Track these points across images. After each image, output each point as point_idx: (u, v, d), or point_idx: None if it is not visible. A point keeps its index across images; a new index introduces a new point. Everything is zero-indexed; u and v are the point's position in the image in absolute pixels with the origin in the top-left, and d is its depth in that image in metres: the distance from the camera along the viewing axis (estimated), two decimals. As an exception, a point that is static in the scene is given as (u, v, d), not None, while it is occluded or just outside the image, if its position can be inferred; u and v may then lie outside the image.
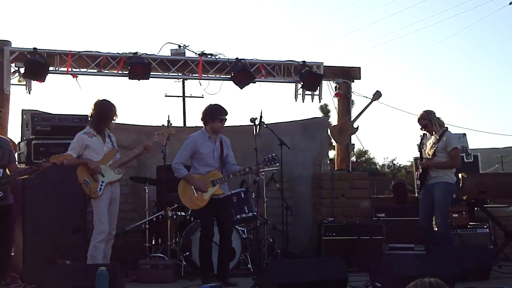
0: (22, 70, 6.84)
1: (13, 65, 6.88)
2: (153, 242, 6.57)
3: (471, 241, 6.93)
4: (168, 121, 5.84)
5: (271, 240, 6.87)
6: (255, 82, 7.70)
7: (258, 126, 6.16)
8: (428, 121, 6.29)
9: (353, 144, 8.37)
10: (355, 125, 7.99)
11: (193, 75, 7.64)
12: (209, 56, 7.55)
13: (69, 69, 7.05)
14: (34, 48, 6.86)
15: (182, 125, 20.20)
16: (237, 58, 7.51)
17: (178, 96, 25.46)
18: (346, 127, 8.04)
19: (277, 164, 5.87)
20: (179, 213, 6.53)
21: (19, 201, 5.67)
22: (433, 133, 6.29)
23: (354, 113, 8.21)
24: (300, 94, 7.98)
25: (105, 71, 7.28)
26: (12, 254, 5.71)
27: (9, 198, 5.37)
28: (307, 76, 7.70)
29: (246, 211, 6.46)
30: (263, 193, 6.85)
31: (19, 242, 5.77)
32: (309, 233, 7.74)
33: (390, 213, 7.21)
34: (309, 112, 26.90)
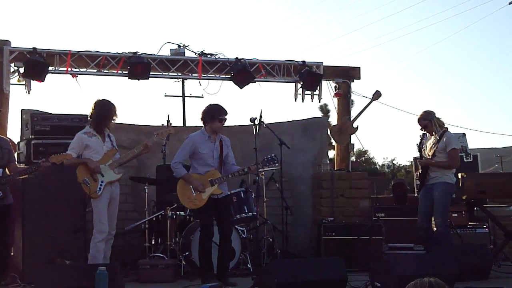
0: (21, 69, 6.84)
1: (12, 64, 6.87)
2: (153, 242, 6.57)
3: (470, 241, 6.94)
4: (168, 121, 5.82)
5: (270, 240, 6.87)
6: (254, 82, 7.70)
7: (257, 126, 6.16)
8: (428, 121, 6.29)
9: (353, 144, 8.38)
10: (354, 125, 7.99)
11: (193, 75, 7.64)
12: (208, 56, 7.54)
13: (69, 69, 7.05)
14: (33, 47, 6.85)
15: (182, 125, 20.19)
16: (236, 58, 7.51)
17: (177, 96, 25.43)
18: (346, 127, 8.04)
19: (277, 164, 5.86)
20: (178, 213, 6.53)
21: (18, 201, 5.67)
22: (433, 133, 6.30)
23: (353, 113, 8.22)
24: (299, 94, 7.98)
25: (105, 71, 7.27)
26: (12, 254, 5.72)
27: (9, 198, 5.38)
28: (307, 76, 7.70)
29: (246, 211, 6.46)
30: (262, 193, 6.85)
31: (19, 242, 5.77)
32: (309, 233, 7.74)
33: (390, 213, 7.22)
34: (309, 112, 26.92)
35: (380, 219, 7.00)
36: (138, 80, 7.25)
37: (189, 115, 25.38)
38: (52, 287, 4.61)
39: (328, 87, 8.17)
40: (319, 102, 8.22)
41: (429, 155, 6.27)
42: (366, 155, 37.57)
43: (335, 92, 8.18)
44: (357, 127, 8.00)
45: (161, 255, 6.30)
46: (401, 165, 41.77)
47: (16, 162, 5.87)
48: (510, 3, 18.75)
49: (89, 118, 5.61)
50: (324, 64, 7.97)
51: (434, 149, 6.21)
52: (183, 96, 25.25)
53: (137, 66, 7.11)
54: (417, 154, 6.62)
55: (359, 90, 8.31)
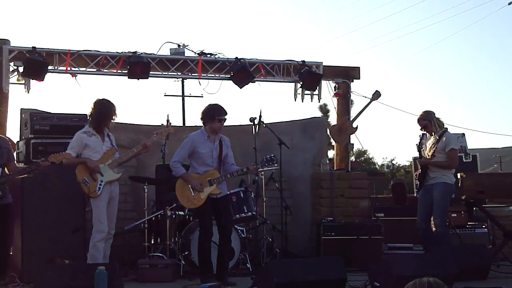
0: (21, 69, 6.83)
1: (12, 64, 6.87)
2: (152, 242, 6.57)
3: (469, 241, 6.94)
4: (167, 121, 5.82)
5: (270, 239, 6.87)
6: (254, 82, 7.70)
7: (257, 126, 6.16)
8: (428, 121, 6.29)
9: (352, 144, 8.38)
10: (354, 125, 8.00)
11: (193, 74, 7.64)
12: (208, 55, 7.54)
13: (68, 68, 7.04)
14: (33, 47, 6.84)
15: (181, 125, 20.18)
16: (236, 57, 7.51)
17: (177, 96, 25.41)
18: (346, 127, 8.05)
19: (276, 165, 5.85)
20: (178, 212, 6.52)
21: (18, 200, 5.66)
22: (433, 133, 6.30)
23: (353, 113, 8.23)
24: (299, 93, 7.98)
25: (104, 70, 7.27)
26: (11, 253, 5.72)
27: (8, 197, 5.38)
28: (307, 75, 7.70)
29: (245, 211, 6.46)
30: (262, 192, 6.85)
31: (18, 242, 5.77)
32: (308, 233, 7.74)
33: (389, 213, 7.22)
34: (309, 112, 26.91)
35: (380, 219, 7.00)
36: (138, 79, 7.25)
37: (188, 115, 25.39)
38: (51, 286, 4.61)
39: (327, 87, 8.19)
40: (319, 102, 8.24)
41: (428, 155, 6.28)
42: (365, 155, 37.59)
43: (334, 92, 8.19)
44: (357, 127, 8.01)
45: (161, 254, 6.29)
46: (400, 165, 41.83)
47: (16, 162, 5.87)
48: (509, 3, 18.78)
49: (88, 118, 5.61)
50: (323, 64, 7.97)
51: (434, 149, 6.21)
52: (183, 96, 25.24)
53: (137, 66, 7.11)
54: (417, 154, 6.62)
55: (359, 90, 8.33)
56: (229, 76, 7.56)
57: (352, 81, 8.26)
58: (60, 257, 5.59)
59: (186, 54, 7.55)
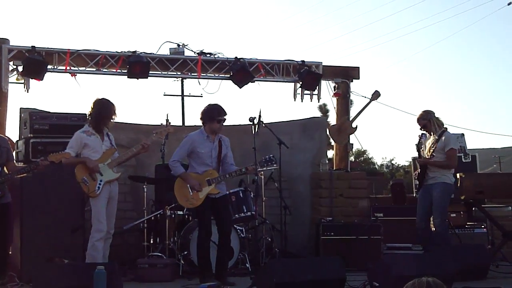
0: (20, 68, 6.82)
1: (11, 63, 6.87)
2: (152, 241, 6.57)
3: (469, 241, 6.94)
4: (167, 120, 5.82)
5: (269, 239, 6.87)
6: (254, 82, 7.70)
7: (257, 126, 6.15)
8: (427, 121, 6.30)
9: (352, 144, 8.38)
10: (353, 125, 8.00)
11: (192, 74, 7.64)
12: (208, 55, 7.54)
13: (68, 68, 7.04)
14: (32, 46, 6.84)
15: (181, 124, 20.19)
16: (236, 57, 7.51)
17: (177, 95, 25.43)
18: (345, 127, 8.05)
19: (275, 165, 5.84)
20: (177, 212, 6.52)
21: (17, 199, 5.66)
22: (432, 133, 6.30)
23: (352, 113, 8.22)
24: (299, 93, 7.98)
25: (104, 70, 7.26)
26: (10, 253, 5.72)
27: (7, 197, 5.38)
28: (306, 75, 7.70)
29: (245, 211, 6.46)
30: (261, 192, 6.85)
31: (17, 241, 5.76)
32: (308, 233, 7.75)
33: (388, 213, 7.22)
34: (308, 112, 26.92)
35: (379, 219, 7.01)
36: (137, 79, 7.25)
37: (188, 114, 25.40)
38: (51, 286, 4.60)
39: (327, 87, 8.18)
40: (318, 102, 8.24)
41: (427, 155, 6.28)
42: (365, 155, 37.61)
43: (334, 92, 8.19)
44: (356, 127, 8.01)
45: (160, 254, 6.29)
46: (399, 165, 41.85)
47: (15, 161, 5.87)
48: (509, 4, 18.77)
49: (88, 117, 5.61)
50: (323, 64, 7.97)
51: (433, 148, 6.21)
52: (182, 95, 25.25)
53: (136, 65, 7.11)
54: (416, 154, 6.63)
55: (358, 90, 8.33)
56: (228, 75, 7.56)
57: (352, 81, 8.26)
58: (59, 257, 5.58)
59: (185, 54, 7.55)
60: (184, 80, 23.06)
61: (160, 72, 7.48)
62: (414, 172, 6.85)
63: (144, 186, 6.75)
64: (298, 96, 7.99)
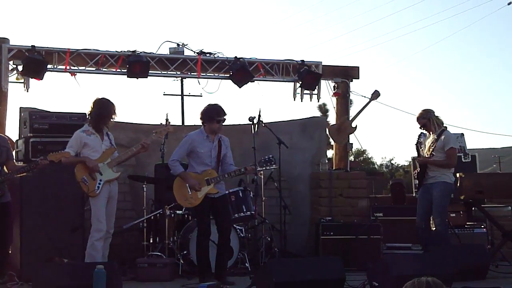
0: (20, 67, 6.82)
1: (11, 62, 6.86)
2: (151, 241, 6.57)
3: (468, 241, 6.94)
4: (167, 120, 5.82)
5: (269, 239, 6.87)
6: (253, 81, 7.70)
7: (256, 125, 6.15)
8: (427, 120, 6.29)
9: (351, 144, 8.38)
10: (353, 125, 7.99)
11: (192, 73, 7.63)
12: (207, 54, 7.54)
13: (68, 67, 7.03)
14: (32, 45, 6.83)
15: (181, 124, 20.16)
16: (235, 57, 7.51)
17: (176, 95, 25.38)
18: (345, 127, 8.04)
19: (274, 165, 5.84)
20: (177, 211, 6.53)
21: (16, 199, 5.66)
22: (432, 132, 6.30)
23: (352, 112, 8.22)
24: (298, 93, 7.97)
25: (104, 69, 7.26)
26: (10, 252, 5.72)
27: (7, 196, 5.38)
28: (306, 75, 7.70)
29: (244, 210, 6.46)
30: (261, 192, 6.85)
31: (17, 240, 5.76)
32: (307, 232, 7.75)
33: (388, 213, 7.22)
34: (308, 111, 26.97)
35: (378, 219, 7.00)
36: (137, 78, 7.24)
37: (188, 114, 25.36)
38: (50, 285, 4.60)
39: (327, 87, 8.18)
40: (318, 101, 8.24)
41: (427, 154, 6.27)
42: (364, 155, 37.59)
43: (334, 91, 8.19)
44: (356, 126, 8.00)
45: (159, 253, 6.29)
46: (399, 165, 41.86)
47: (14, 160, 5.87)
48: (509, 4, 18.77)
49: (88, 117, 5.60)
50: (323, 64, 7.96)
51: (433, 148, 6.21)
52: (182, 95, 25.21)
53: (136, 65, 7.10)
54: (416, 154, 6.63)
55: (358, 89, 8.32)
56: (228, 75, 7.56)
57: (352, 81, 8.26)
58: (59, 256, 5.59)
59: (185, 53, 7.54)
60: (183, 79, 23.01)
61: (159, 72, 7.47)
62: (414, 171, 6.85)
63: (144, 186, 6.74)
64: (298, 96, 7.98)
